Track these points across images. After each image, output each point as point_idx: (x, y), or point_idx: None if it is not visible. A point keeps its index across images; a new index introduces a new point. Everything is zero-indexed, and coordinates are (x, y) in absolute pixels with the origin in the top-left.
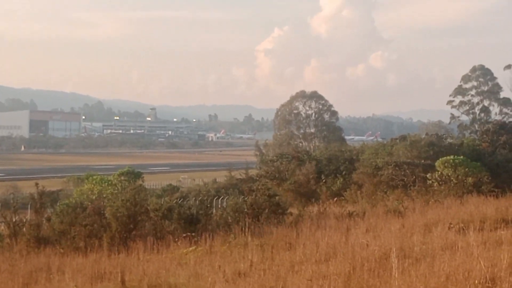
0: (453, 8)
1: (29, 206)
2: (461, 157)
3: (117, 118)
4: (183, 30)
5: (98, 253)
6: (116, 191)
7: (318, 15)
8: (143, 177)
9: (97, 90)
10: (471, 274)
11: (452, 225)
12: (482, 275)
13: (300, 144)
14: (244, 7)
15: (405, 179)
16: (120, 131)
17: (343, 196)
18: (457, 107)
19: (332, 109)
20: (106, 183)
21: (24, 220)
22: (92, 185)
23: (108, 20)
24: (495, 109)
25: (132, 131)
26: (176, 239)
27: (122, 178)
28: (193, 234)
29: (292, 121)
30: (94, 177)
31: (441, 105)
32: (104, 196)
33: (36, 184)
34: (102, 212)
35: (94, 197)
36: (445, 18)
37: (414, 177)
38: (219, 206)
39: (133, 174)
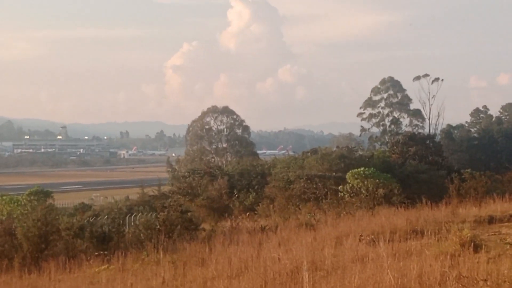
0: (362, 23)
1: None
2: (372, 169)
3: (28, 137)
4: (93, 49)
5: (9, 274)
6: (26, 211)
7: (227, 30)
8: (52, 196)
9: (6, 109)
10: (381, 286)
11: (363, 237)
12: (392, 286)
13: (212, 159)
14: (153, 25)
15: (317, 192)
16: (31, 150)
17: (255, 210)
18: (367, 119)
19: (244, 123)
20: (16, 203)
21: None
22: (2, 206)
23: (17, 40)
24: (405, 120)
25: (43, 150)
26: (89, 258)
27: (32, 197)
28: (105, 252)
29: (204, 136)
30: (4, 197)
31: (352, 118)
32: (15, 216)
33: None
34: (12, 232)
35: (3, 217)
36: (354, 32)
37: (325, 189)
38: (132, 223)
39: (43, 194)
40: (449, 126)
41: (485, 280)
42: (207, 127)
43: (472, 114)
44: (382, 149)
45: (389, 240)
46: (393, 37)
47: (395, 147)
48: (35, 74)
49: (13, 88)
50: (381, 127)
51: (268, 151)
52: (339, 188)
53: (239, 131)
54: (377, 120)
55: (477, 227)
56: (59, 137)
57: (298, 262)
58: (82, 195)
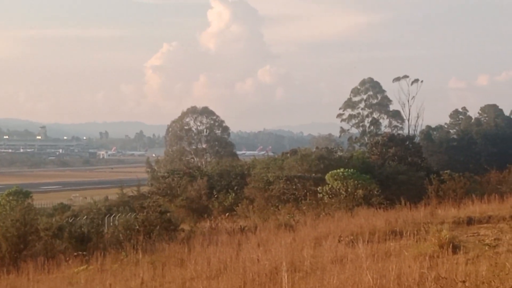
0: (341, 24)
1: None
2: (351, 170)
3: (7, 137)
4: (72, 48)
5: None
6: (5, 212)
7: (206, 31)
8: (31, 196)
9: None
10: (359, 287)
11: (342, 238)
12: (370, 287)
13: (192, 160)
14: (133, 25)
15: (296, 192)
16: (10, 150)
17: (235, 211)
18: (347, 120)
19: (224, 124)
20: None
21: None
22: None
23: None
24: (384, 121)
25: (22, 150)
26: (67, 258)
27: (11, 198)
28: (84, 253)
29: (184, 137)
30: None
31: (332, 119)
32: None
33: None
34: None
35: None
36: (334, 33)
37: (305, 190)
38: (111, 224)
39: (22, 194)
40: (429, 127)
41: (464, 282)
42: (186, 127)
43: (451, 116)
44: (362, 150)
45: (368, 241)
46: (372, 38)
47: (374, 148)
48: (14, 73)
49: None
50: (361, 128)
51: (248, 152)
52: (318, 189)
53: (218, 132)
54: (357, 121)
55: (456, 228)
56: (38, 137)
57: (277, 263)
58: (61, 195)
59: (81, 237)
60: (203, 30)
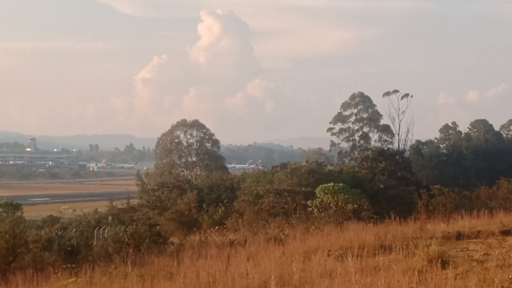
0: (332, 39)
1: None
2: (341, 184)
3: None
4: (62, 61)
5: None
6: None
7: (197, 44)
8: (22, 208)
9: None
10: None
11: (331, 252)
12: None
13: (182, 173)
14: (123, 38)
15: (286, 206)
16: (0, 162)
17: (224, 224)
18: (337, 134)
19: (214, 137)
20: None
21: None
22: None
23: None
24: (374, 136)
25: (11, 162)
26: (56, 271)
27: (1, 210)
28: (73, 265)
29: (174, 150)
30: None
31: (322, 133)
32: None
33: None
34: None
35: None
36: (324, 48)
37: (295, 204)
38: (100, 236)
39: (12, 206)
40: (418, 142)
41: None
42: (176, 140)
43: (441, 130)
44: (352, 164)
45: (357, 255)
46: (363, 53)
47: (364, 163)
48: (3, 85)
49: None
50: (351, 142)
51: (238, 165)
52: (308, 203)
53: (208, 145)
54: (347, 135)
55: (445, 243)
56: (28, 149)
57: (266, 277)
58: (50, 207)
59: (70, 250)
60: (194, 44)
